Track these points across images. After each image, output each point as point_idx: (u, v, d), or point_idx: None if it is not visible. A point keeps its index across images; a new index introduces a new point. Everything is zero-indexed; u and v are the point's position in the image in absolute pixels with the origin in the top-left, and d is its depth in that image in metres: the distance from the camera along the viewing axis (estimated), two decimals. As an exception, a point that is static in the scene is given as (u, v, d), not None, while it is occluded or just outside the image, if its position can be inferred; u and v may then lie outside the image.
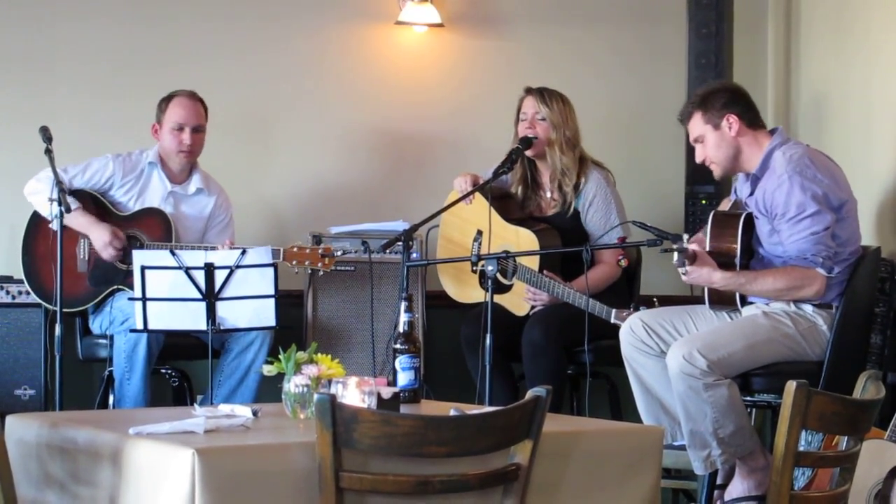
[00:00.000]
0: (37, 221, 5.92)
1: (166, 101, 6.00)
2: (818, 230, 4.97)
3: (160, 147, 6.03)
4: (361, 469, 3.25)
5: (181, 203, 6.05)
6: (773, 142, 5.15)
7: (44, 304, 5.88)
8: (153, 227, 5.93)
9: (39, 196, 5.82)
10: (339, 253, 5.94)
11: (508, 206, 6.03)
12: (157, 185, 6.03)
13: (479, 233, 5.98)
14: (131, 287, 5.67)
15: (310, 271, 6.03)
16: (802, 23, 6.68)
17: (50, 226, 5.79)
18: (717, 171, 5.27)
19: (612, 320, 5.42)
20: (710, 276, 4.97)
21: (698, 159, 5.27)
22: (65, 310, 5.42)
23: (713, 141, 5.18)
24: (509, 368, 5.96)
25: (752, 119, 5.17)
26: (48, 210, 5.72)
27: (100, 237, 5.84)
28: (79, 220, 5.80)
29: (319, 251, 5.89)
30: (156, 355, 5.72)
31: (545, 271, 5.74)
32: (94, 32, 6.46)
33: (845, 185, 5.12)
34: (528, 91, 6.01)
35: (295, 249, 5.87)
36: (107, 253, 5.83)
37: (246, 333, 5.70)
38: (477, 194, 5.93)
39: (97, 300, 5.88)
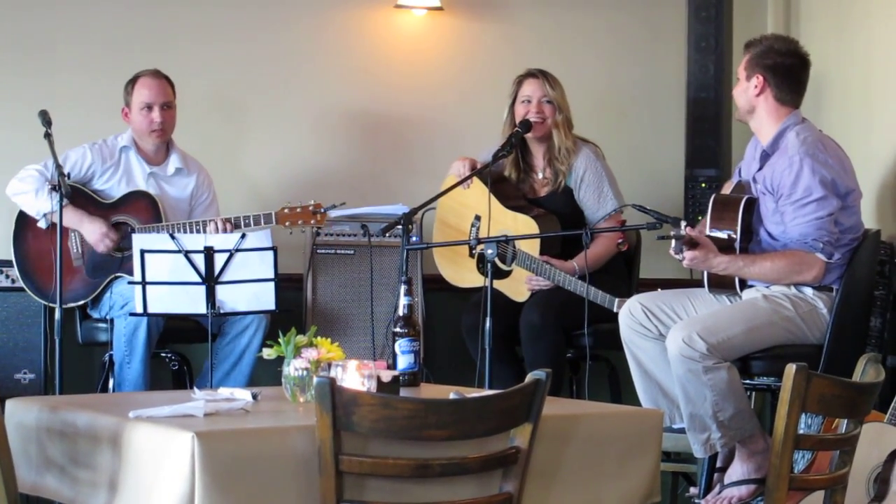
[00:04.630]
0: (23, 223, 5.90)
1: (132, 83, 5.98)
2: (822, 215, 4.97)
3: (132, 130, 6.01)
4: (361, 452, 3.26)
5: (163, 184, 6.04)
6: (788, 121, 5.14)
7: (44, 302, 5.87)
8: (141, 210, 5.91)
9: (25, 196, 5.81)
10: (330, 206, 5.93)
11: (504, 191, 6.02)
12: (137, 169, 6.01)
13: (478, 217, 5.97)
14: (128, 273, 5.66)
15: (303, 231, 6.02)
16: (802, 4, 6.68)
17: (38, 225, 5.80)
18: (736, 113, 5.34)
19: (615, 310, 5.41)
20: (709, 261, 4.97)
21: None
22: (66, 305, 5.43)
23: (740, 87, 5.22)
24: (514, 353, 5.96)
25: (783, 95, 5.15)
26: (36, 208, 5.73)
27: (94, 230, 5.82)
28: (69, 217, 5.76)
29: (310, 208, 5.89)
30: (156, 339, 5.72)
31: (543, 257, 5.74)
32: (93, 16, 6.45)
33: (852, 174, 5.12)
34: (531, 74, 6.00)
35: (286, 211, 5.87)
36: (102, 245, 5.82)
37: (242, 317, 5.70)
38: (475, 179, 5.92)
39: (96, 293, 5.87)
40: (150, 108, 5.94)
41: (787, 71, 5.16)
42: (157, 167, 6.04)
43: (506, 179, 6.08)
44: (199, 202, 6.11)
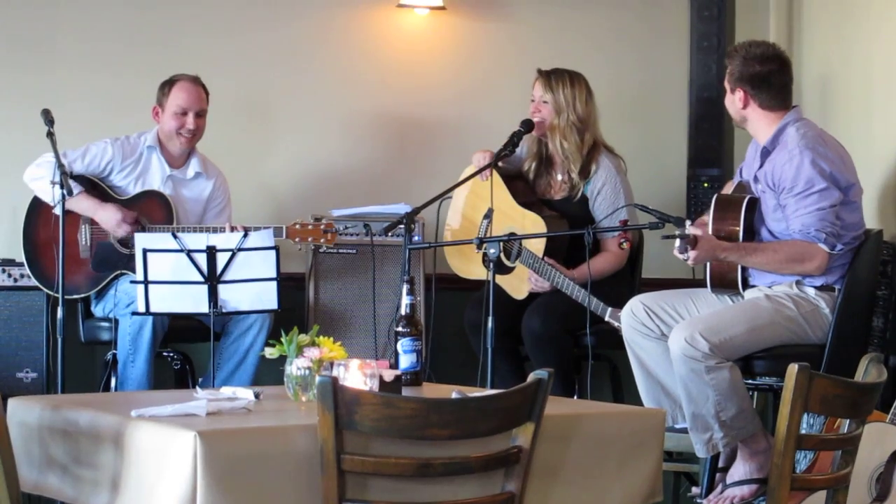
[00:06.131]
0: (36, 208, 5.91)
1: (169, 84, 6.00)
2: (824, 206, 4.97)
3: (161, 130, 6.03)
4: (363, 451, 3.25)
5: (180, 187, 6.05)
6: (788, 118, 5.15)
7: (47, 291, 5.87)
8: (154, 209, 5.92)
9: (41, 181, 5.81)
10: (341, 227, 5.96)
11: (518, 188, 6.02)
12: (156, 169, 6.02)
13: (490, 211, 5.98)
14: (134, 270, 5.66)
15: (313, 247, 6.04)
16: (804, 4, 6.67)
17: (53, 210, 5.79)
18: (733, 119, 5.36)
19: (607, 318, 5.42)
20: (714, 251, 4.96)
21: None
22: (68, 297, 5.43)
23: (727, 99, 5.25)
24: (515, 350, 5.96)
25: (769, 102, 5.16)
26: (51, 195, 5.71)
27: (109, 217, 5.84)
28: (82, 204, 5.80)
29: (322, 227, 5.91)
30: (160, 338, 5.72)
31: (546, 258, 5.74)
32: (97, 13, 6.45)
33: (853, 170, 5.13)
34: (538, 73, 6.01)
35: (297, 226, 5.89)
36: (121, 230, 5.82)
37: (246, 317, 5.70)
38: (494, 173, 5.93)
39: (100, 286, 5.87)
40: (185, 113, 5.96)
41: (765, 79, 5.16)
42: (177, 170, 6.05)
43: (521, 177, 6.09)
44: (212, 205, 6.12)
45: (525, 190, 6.05)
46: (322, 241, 5.94)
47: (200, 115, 6.01)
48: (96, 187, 5.92)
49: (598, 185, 5.94)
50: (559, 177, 6.06)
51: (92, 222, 5.90)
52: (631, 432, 3.80)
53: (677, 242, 4.84)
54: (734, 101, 5.21)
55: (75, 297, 5.86)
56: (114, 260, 5.88)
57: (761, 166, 5.17)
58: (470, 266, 6.07)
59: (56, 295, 5.40)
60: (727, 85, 5.23)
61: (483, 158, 5.97)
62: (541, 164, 6.08)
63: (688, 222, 4.94)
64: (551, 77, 5.97)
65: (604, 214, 5.92)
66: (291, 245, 5.96)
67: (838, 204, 5.01)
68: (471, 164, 6.04)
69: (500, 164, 5.93)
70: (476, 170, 5.92)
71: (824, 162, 5.00)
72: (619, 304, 5.38)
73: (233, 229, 5.77)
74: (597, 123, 6.01)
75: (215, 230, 5.77)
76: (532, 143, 6.03)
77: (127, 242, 5.85)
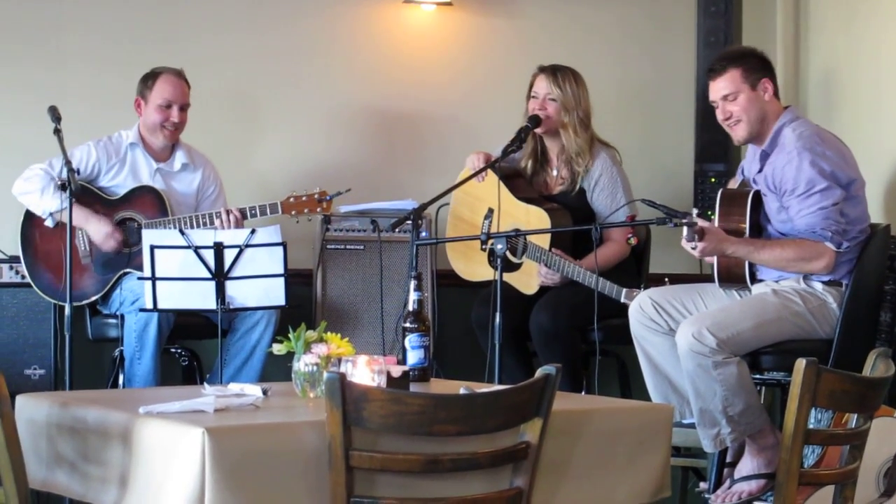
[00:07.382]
0: (30, 222, 5.90)
1: (153, 77, 5.98)
2: (827, 205, 4.97)
3: (143, 123, 6.02)
4: (371, 448, 3.26)
5: (169, 180, 6.05)
6: (784, 119, 5.15)
7: (55, 301, 5.86)
8: (147, 205, 5.92)
9: (30, 196, 5.82)
10: (336, 193, 5.94)
11: (518, 185, 6.02)
12: (143, 165, 6.01)
13: (491, 210, 5.97)
14: (137, 268, 5.67)
15: (310, 220, 6.02)
16: (811, 0, 6.67)
17: (45, 224, 5.80)
18: (742, 131, 5.21)
19: (622, 300, 5.42)
20: (721, 245, 4.96)
21: (723, 117, 5.23)
22: (76, 303, 5.44)
23: (747, 99, 5.16)
24: (524, 346, 5.96)
25: (777, 90, 5.20)
26: (42, 207, 5.75)
27: (99, 230, 5.83)
28: (75, 215, 5.72)
29: (316, 196, 5.91)
30: (166, 335, 5.72)
31: (554, 249, 5.74)
32: (102, 10, 6.45)
33: (853, 164, 5.12)
34: (542, 69, 5.99)
35: (292, 199, 5.89)
36: (108, 245, 5.83)
37: (252, 313, 5.70)
38: (490, 173, 5.93)
39: (106, 289, 5.87)
40: (169, 105, 5.95)
41: (770, 65, 5.24)
42: (163, 163, 6.04)
43: (520, 175, 6.08)
44: (205, 196, 6.12)
45: (526, 187, 6.05)
46: (318, 210, 5.93)
47: (184, 108, 6.00)
48: (86, 191, 5.88)
49: (595, 177, 5.95)
50: (554, 173, 6.06)
51: None
52: (639, 428, 3.81)
53: (685, 231, 4.83)
54: (758, 98, 5.16)
55: (83, 302, 5.85)
56: (116, 261, 5.88)
57: (760, 170, 5.16)
58: (474, 267, 6.07)
59: (63, 304, 5.40)
60: (746, 84, 5.15)
61: (477, 160, 5.97)
62: (537, 162, 6.08)
63: (695, 210, 4.94)
64: (557, 74, 5.96)
65: (603, 205, 5.93)
66: (299, 240, 5.96)
67: (841, 201, 5.01)
68: (466, 165, 6.04)
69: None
70: (471, 172, 5.91)
71: (824, 161, 4.99)
72: None
73: (228, 213, 5.78)
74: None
75: (211, 216, 5.78)
76: (527, 141, 6.00)
77: (126, 242, 5.86)
